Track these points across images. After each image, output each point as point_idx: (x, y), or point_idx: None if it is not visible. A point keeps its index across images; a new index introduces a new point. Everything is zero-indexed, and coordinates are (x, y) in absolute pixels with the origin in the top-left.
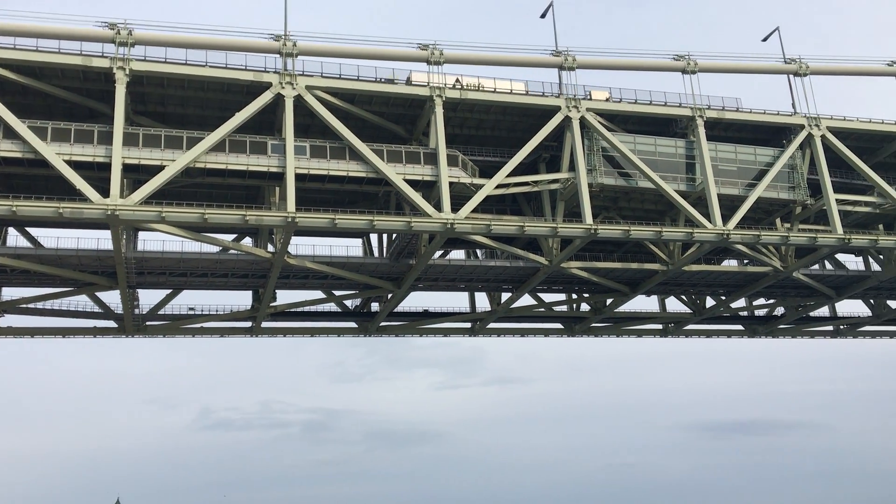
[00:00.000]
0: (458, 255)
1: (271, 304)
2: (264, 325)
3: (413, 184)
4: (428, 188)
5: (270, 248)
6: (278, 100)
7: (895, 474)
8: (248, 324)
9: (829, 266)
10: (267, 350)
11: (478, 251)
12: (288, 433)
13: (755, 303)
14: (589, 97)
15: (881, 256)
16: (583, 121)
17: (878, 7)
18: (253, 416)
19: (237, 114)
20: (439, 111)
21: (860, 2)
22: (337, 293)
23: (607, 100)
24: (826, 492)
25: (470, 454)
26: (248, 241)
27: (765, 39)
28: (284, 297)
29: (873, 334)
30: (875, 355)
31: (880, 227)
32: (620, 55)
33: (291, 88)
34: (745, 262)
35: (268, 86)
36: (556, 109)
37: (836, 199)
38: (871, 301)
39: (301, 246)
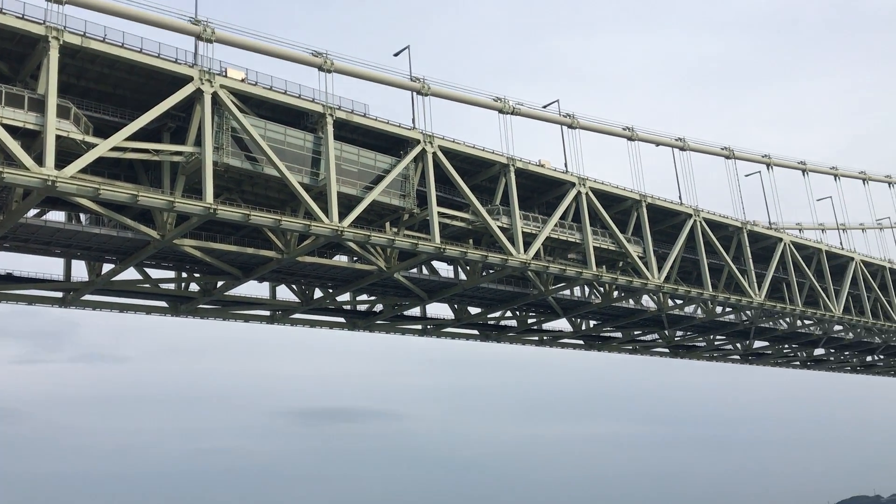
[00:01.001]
0: (57, 216)
1: None
2: None
3: (11, 130)
4: (30, 138)
5: None
6: None
7: (462, 460)
8: None
9: (425, 271)
10: None
11: (81, 215)
12: None
13: (358, 298)
14: (224, 74)
15: (468, 267)
16: (215, 97)
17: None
18: None
19: None
20: (54, 55)
21: (494, 38)
22: None
23: (243, 80)
24: (402, 475)
25: (50, 434)
26: None
27: (396, 55)
28: None
29: (454, 335)
30: (454, 354)
31: (470, 241)
32: (263, 39)
33: None
34: (355, 259)
35: None
36: (188, 80)
37: (438, 212)
38: (455, 306)
39: None
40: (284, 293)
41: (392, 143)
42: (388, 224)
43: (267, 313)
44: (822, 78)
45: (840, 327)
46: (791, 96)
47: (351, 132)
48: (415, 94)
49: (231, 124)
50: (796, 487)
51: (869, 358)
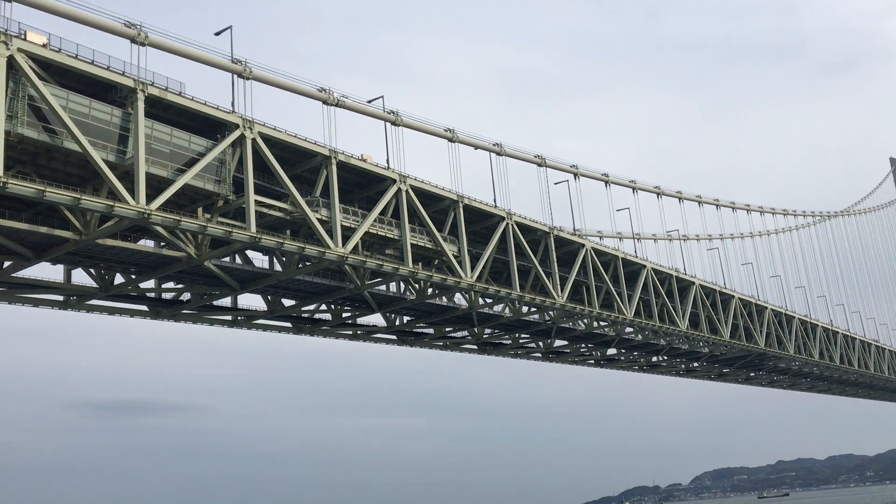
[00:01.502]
0: None
1: None
2: None
3: None
4: None
5: None
6: None
7: (264, 454)
8: None
9: (238, 260)
10: None
11: None
12: None
13: (164, 285)
14: (24, 37)
15: (284, 258)
16: (11, 60)
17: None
18: None
19: None
20: None
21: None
22: None
23: (45, 45)
24: (195, 470)
25: None
26: None
27: (218, 34)
28: None
29: (265, 327)
30: (263, 347)
31: (288, 232)
32: (71, 3)
33: None
34: (162, 244)
35: None
36: None
37: (256, 200)
38: (269, 297)
39: None
40: (81, 277)
41: (209, 126)
42: (200, 210)
43: (60, 298)
44: (625, 96)
45: (631, 329)
46: (597, 111)
47: (164, 111)
48: (235, 76)
49: (29, 92)
50: (583, 477)
51: (655, 358)
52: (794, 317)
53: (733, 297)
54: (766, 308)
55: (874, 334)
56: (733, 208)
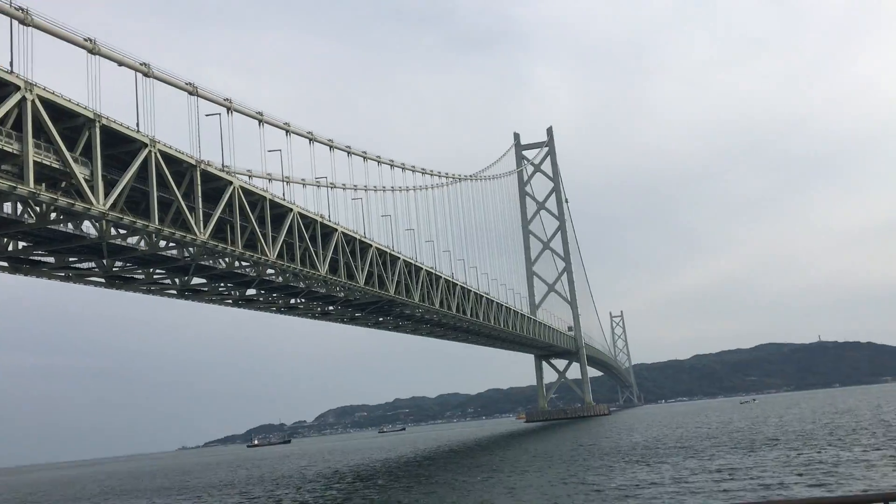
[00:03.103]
0: None
1: None
2: None
3: None
4: None
5: None
6: None
7: None
8: None
9: None
10: None
11: None
12: None
13: None
14: None
15: None
16: None
17: None
18: None
19: None
20: None
21: None
22: None
23: None
24: None
25: None
26: None
27: None
28: None
29: None
30: None
31: None
32: None
33: None
34: None
35: None
36: None
37: None
38: None
39: None
40: None
41: None
42: None
43: None
44: (281, 38)
45: (272, 271)
46: (255, 46)
47: None
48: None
49: None
50: (211, 418)
51: (293, 300)
52: (422, 268)
53: (371, 245)
54: (399, 258)
55: (486, 288)
56: (379, 162)
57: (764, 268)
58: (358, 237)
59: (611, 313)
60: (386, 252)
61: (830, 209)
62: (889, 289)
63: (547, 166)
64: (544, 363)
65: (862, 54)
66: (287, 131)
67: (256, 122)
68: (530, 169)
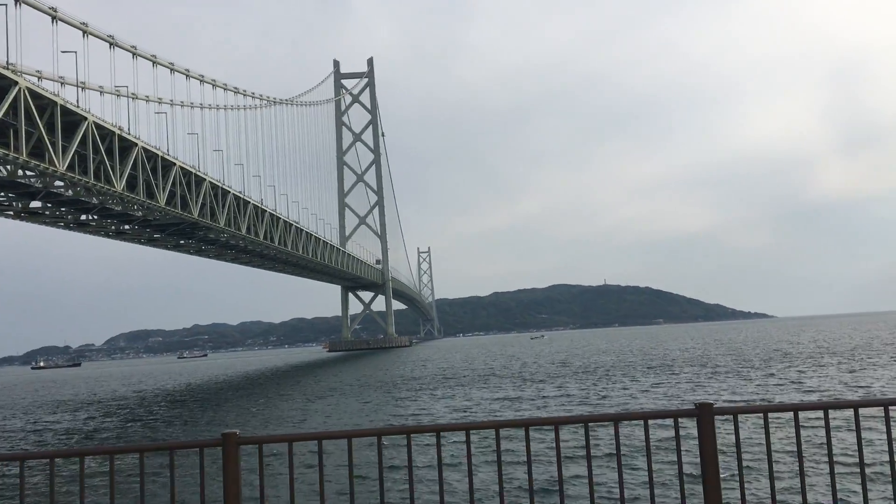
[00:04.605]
0: None
1: None
2: None
3: None
4: None
5: None
6: None
7: None
8: None
9: None
10: None
11: None
12: None
13: None
14: None
15: None
16: None
17: None
18: None
19: None
20: None
21: None
22: None
23: None
24: None
25: None
26: None
27: None
28: None
29: None
30: None
31: None
32: None
33: None
34: None
35: None
36: None
37: None
38: None
39: None
40: None
41: None
42: None
43: None
44: None
45: (62, 183)
46: None
47: None
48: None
49: None
50: None
51: (84, 217)
52: (229, 192)
53: (175, 164)
54: (206, 180)
55: (297, 217)
56: (187, 76)
57: (562, 213)
58: (160, 154)
59: (418, 249)
60: (191, 172)
61: (622, 162)
62: (667, 240)
63: (366, 98)
64: (350, 294)
65: (666, 17)
66: (85, 32)
67: (49, 17)
68: (349, 99)
